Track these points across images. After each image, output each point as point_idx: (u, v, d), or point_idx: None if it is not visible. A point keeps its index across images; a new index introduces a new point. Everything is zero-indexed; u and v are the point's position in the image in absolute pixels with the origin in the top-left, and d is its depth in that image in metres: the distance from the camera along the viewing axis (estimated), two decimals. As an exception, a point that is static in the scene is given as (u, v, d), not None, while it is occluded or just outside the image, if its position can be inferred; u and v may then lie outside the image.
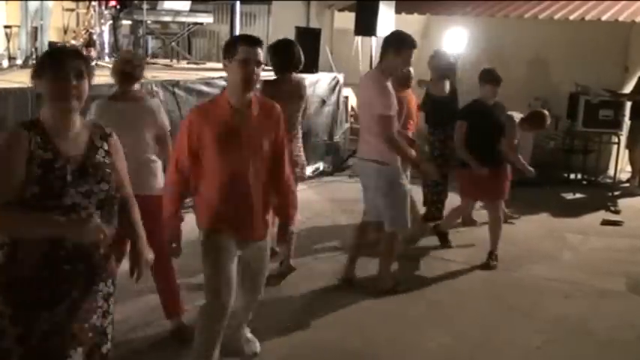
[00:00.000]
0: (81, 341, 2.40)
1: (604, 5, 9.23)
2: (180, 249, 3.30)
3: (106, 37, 8.46)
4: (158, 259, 3.87)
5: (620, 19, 8.71)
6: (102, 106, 3.85)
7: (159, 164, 3.98)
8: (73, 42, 8.28)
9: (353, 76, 7.93)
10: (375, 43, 8.26)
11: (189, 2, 9.05)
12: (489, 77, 5.54)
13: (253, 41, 3.08)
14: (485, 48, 8.92)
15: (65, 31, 9.15)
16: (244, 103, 3.14)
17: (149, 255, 2.61)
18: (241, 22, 9.57)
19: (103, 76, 4.59)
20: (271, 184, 3.33)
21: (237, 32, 8.76)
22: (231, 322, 3.47)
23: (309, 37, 8.32)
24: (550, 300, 4.92)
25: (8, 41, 7.76)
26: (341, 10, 10.84)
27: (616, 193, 8.16)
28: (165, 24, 9.85)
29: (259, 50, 3.08)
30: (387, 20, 8.37)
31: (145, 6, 8.22)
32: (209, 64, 8.86)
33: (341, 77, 8.63)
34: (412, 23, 10.09)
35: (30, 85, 2.39)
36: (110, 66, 4.67)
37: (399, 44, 4.46)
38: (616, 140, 8.39)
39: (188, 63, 9.15)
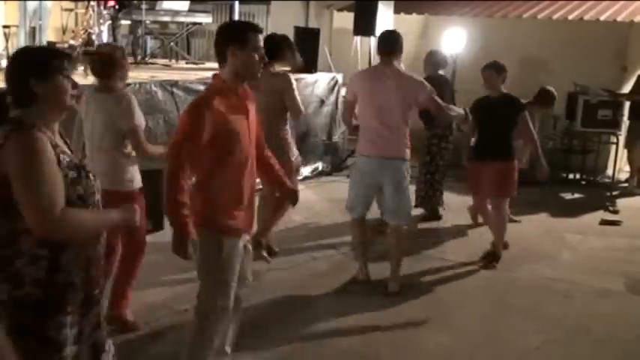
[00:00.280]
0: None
1: (602, 5, 9.25)
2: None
3: (105, 37, 8.44)
4: (127, 255, 3.87)
5: (619, 19, 8.73)
6: (87, 94, 3.92)
7: (130, 160, 3.92)
8: (71, 42, 8.27)
9: (352, 76, 7.94)
10: (373, 43, 8.25)
11: (188, 2, 9.04)
12: (487, 65, 5.47)
13: (259, 29, 3.13)
14: (484, 48, 8.91)
15: (64, 31, 9.14)
16: (245, 90, 3.15)
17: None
18: (240, 23, 9.56)
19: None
20: (260, 168, 3.30)
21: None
22: None
23: (308, 37, 8.33)
24: (549, 300, 4.92)
25: (7, 41, 7.75)
26: (340, 10, 10.84)
27: (615, 192, 8.17)
28: (164, 24, 9.85)
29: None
30: (386, 20, 8.37)
31: (143, 6, 8.22)
32: (208, 64, 8.85)
33: (340, 77, 8.63)
34: (411, 23, 10.12)
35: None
36: None
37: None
38: (615, 140, 8.41)
39: (187, 63, 9.15)
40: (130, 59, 6.04)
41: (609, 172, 8.66)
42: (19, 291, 2.17)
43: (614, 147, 8.47)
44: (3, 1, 8.12)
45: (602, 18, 8.82)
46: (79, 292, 2.27)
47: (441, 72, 6.60)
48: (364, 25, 8.28)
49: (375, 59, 4.71)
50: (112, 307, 3.98)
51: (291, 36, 8.52)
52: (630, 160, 8.64)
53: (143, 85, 6.16)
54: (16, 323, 2.16)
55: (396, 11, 9.05)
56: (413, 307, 4.69)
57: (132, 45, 8.84)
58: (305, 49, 8.45)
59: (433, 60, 6.58)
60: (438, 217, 6.74)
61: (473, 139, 5.68)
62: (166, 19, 9.12)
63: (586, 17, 8.94)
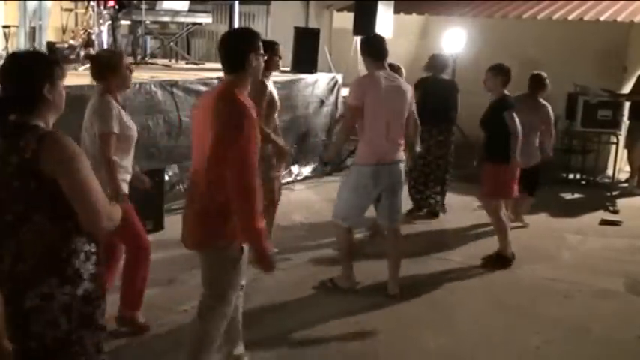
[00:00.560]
0: None
1: (602, 5, 9.25)
2: None
3: (105, 38, 8.44)
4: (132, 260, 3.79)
5: (619, 19, 8.73)
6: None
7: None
8: (71, 42, 8.27)
9: (352, 76, 7.92)
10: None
11: (188, 2, 9.03)
12: (490, 67, 5.46)
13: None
14: (484, 48, 8.91)
15: (64, 32, 9.14)
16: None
17: None
18: (240, 23, 9.57)
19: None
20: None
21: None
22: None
23: (308, 38, 8.33)
24: (549, 300, 4.93)
25: (7, 41, 7.76)
26: (340, 10, 10.85)
27: (614, 193, 8.17)
28: (164, 24, 9.84)
29: None
30: (386, 20, 8.39)
31: (143, 6, 8.21)
32: (208, 65, 8.86)
33: (340, 77, 8.64)
34: (411, 23, 10.13)
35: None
36: None
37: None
38: (614, 140, 8.41)
39: (187, 63, 9.14)
40: (130, 59, 6.04)
41: (609, 172, 8.67)
42: (80, 288, 2.27)
43: (614, 147, 8.48)
44: (3, 1, 8.12)
45: (601, 18, 8.82)
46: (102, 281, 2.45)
47: (444, 76, 6.64)
48: (364, 25, 8.28)
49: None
50: (122, 308, 3.98)
51: (291, 36, 8.57)
52: (630, 160, 8.65)
53: (143, 85, 6.16)
54: (84, 318, 2.29)
55: (396, 11, 9.06)
56: (413, 307, 4.69)
57: (132, 45, 8.83)
58: (305, 49, 8.48)
59: (435, 63, 6.59)
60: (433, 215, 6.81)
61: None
62: (166, 19, 9.11)
63: (586, 17, 8.94)
